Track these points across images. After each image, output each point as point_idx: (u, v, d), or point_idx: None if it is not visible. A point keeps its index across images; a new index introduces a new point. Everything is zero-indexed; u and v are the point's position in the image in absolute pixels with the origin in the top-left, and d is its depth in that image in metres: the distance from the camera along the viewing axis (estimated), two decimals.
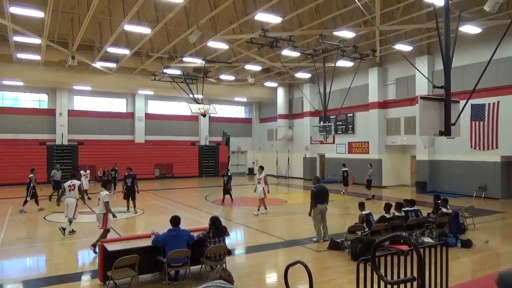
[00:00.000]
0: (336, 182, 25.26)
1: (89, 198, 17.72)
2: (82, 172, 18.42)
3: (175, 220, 7.06)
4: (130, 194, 14.64)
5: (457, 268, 7.69)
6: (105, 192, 9.27)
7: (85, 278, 7.46)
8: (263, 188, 14.16)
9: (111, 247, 6.78)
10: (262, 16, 14.88)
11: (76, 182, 11.15)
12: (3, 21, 15.43)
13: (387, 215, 9.65)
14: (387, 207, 9.82)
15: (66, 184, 11.02)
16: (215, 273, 2.60)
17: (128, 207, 14.67)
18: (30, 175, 15.06)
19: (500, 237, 11.19)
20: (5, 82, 24.63)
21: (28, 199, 14.74)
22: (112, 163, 21.18)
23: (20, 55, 20.73)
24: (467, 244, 9.39)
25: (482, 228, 11.50)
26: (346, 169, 20.32)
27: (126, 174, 14.94)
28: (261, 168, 15.05)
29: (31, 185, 14.80)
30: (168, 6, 15.25)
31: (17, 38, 17.79)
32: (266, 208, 14.38)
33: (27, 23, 16.97)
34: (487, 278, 6.97)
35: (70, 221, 10.80)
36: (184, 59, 21.27)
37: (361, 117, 25.39)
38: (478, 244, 9.56)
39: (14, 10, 14.12)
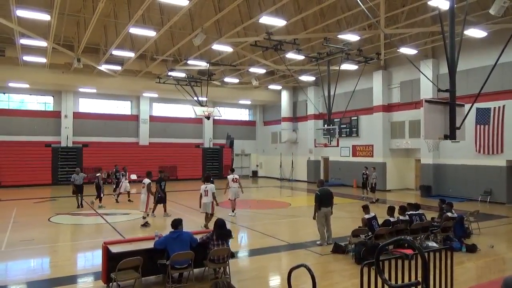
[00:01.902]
0: (340, 185, 25.25)
1: (129, 201, 17.83)
2: (122, 173, 18.43)
3: (176, 223, 7.08)
4: (163, 198, 14.18)
5: (461, 273, 7.64)
6: (212, 185, 11.86)
7: (88, 279, 7.47)
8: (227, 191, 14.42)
9: (114, 249, 6.80)
10: (266, 19, 14.92)
11: (146, 181, 12.57)
12: (10, 24, 15.57)
13: (391, 219, 9.61)
14: (391, 210, 9.78)
15: (143, 181, 12.75)
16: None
17: (154, 211, 14.03)
18: (97, 174, 16.86)
19: (505, 242, 11.09)
20: (11, 85, 24.81)
21: (103, 195, 16.57)
22: (114, 165, 20.70)
23: (26, 58, 20.89)
24: (472, 248, 9.32)
25: (487, 233, 11.42)
26: (366, 172, 19.64)
27: (160, 177, 14.36)
28: (230, 170, 15.17)
29: (100, 182, 16.55)
30: (173, 9, 15.33)
31: (24, 41, 17.93)
32: (233, 211, 14.42)
33: (34, 26, 17.11)
34: (492, 283, 6.92)
35: (144, 216, 12.51)
36: (189, 61, 21.36)
37: (365, 120, 25.35)
38: (483, 249, 9.48)
39: (21, 13, 14.25)
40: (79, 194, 16.04)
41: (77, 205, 16.01)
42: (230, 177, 14.62)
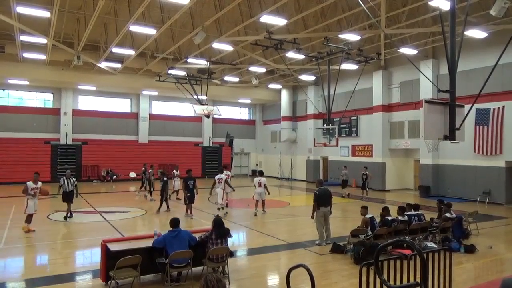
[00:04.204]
0: (339, 185, 25.22)
1: (178, 199, 17.73)
2: (174, 171, 18.32)
3: (174, 222, 7.07)
4: (192, 198, 13.61)
5: (460, 273, 7.65)
6: (264, 178, 14.56)
7: (87, 277, 7.46)
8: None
9: (113, 247, 6.79)
10: (267, 18, 14.89)
11: (223, 176, 14.16)
12: (10, 20, 15.52)
13: (388, 218, 9.62)
14: (386, 211, 9.77)
15: (216, 177, 14.26)
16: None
17: (187, 211, 13.66)
18: (150, 170, 17.80)
19: (504, 242, 11.12)
20: (11, 81, 24.78)
21: (153, 189, 17.47)
22: (143, 163, 20.94)
23: (26, 55, 20.83)
24: (470, 249, 9.33)
25: (486, 234, 11.43)
26: (366, 172, 19.90)
27: (187, 176, 13.78)
28: (218, 170, 15.51)
29: (151, 178, 17.47)
30: (174, 7, 15.30)
31: (24, 38, 17.89)
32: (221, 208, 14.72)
33: (34, 23, 17.06)
34: (491, 284, 6.93)
35: (222, 207, 14.15)
36: (189, 60, 21.32)
37: (365, 120, 25.34)
38: (481, 249, 9.50)
39: (21, 9, 14.20)
40: (69, 201, 13.08)
41: (66, 214, 13.08)
42: (216, 177, 14.50)
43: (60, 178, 13.53)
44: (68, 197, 13.07)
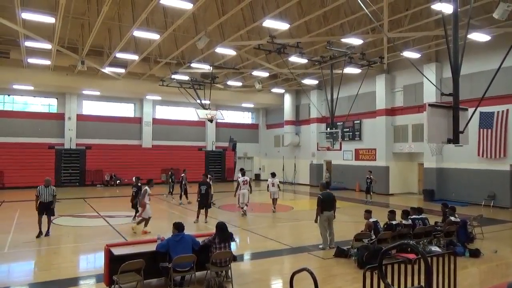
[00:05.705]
0: (343, 189, 25.17)
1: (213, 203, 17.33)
2: (209, 176, 18.38)
3: (178, 226, 7.08)
4: (204, 203, 13.40)
5: (465, 277, 7.59)
6: (277, 179, 16.21)
7: (91, 282, 7.48)
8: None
9: (117, 251, 6.81)
10: (270, 23, 14.95)
11: (247, 178, 15.13)
12: (14, 26, 15.68)
13: (393, 222, 9.58)
14: (392, 214, 9.74)
15: (240, 179, 15.14)
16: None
17: (198, 217, 13.51)
18: (182, 175, 18.44)
19: (509, 246, 11.04)
20: (15, 87, 24.98)
21: (182, 193, 18.18)
22: (171, 168, 21.44)
23: (30, 60, 21.01)
24: (475, 253, 9.27)
25: (491, 238, 11.35)
26: (371, 176, 19.51)
27: (201, 180, 13.62)
28: (241, 172, 15.91)
29: (183, 182, 18.09)
30: (177, 13, 15.40)
31: (28, 43, 18.06)
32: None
33: (38, 29, 17.21)
34: None
35: (245, 206, 14.97)
36: (192, 65, 21.42)
37: (368, 124, 25.31)
38: (486, 253, 9.43)
39: (26, 15, 14.34)
40: (47, 214, 11.00)
41: (38, 232, 10.81)
42: (241, 179, 15.24)
43: (38, 187, 11.32)
44: (45, 209, 10.95)
